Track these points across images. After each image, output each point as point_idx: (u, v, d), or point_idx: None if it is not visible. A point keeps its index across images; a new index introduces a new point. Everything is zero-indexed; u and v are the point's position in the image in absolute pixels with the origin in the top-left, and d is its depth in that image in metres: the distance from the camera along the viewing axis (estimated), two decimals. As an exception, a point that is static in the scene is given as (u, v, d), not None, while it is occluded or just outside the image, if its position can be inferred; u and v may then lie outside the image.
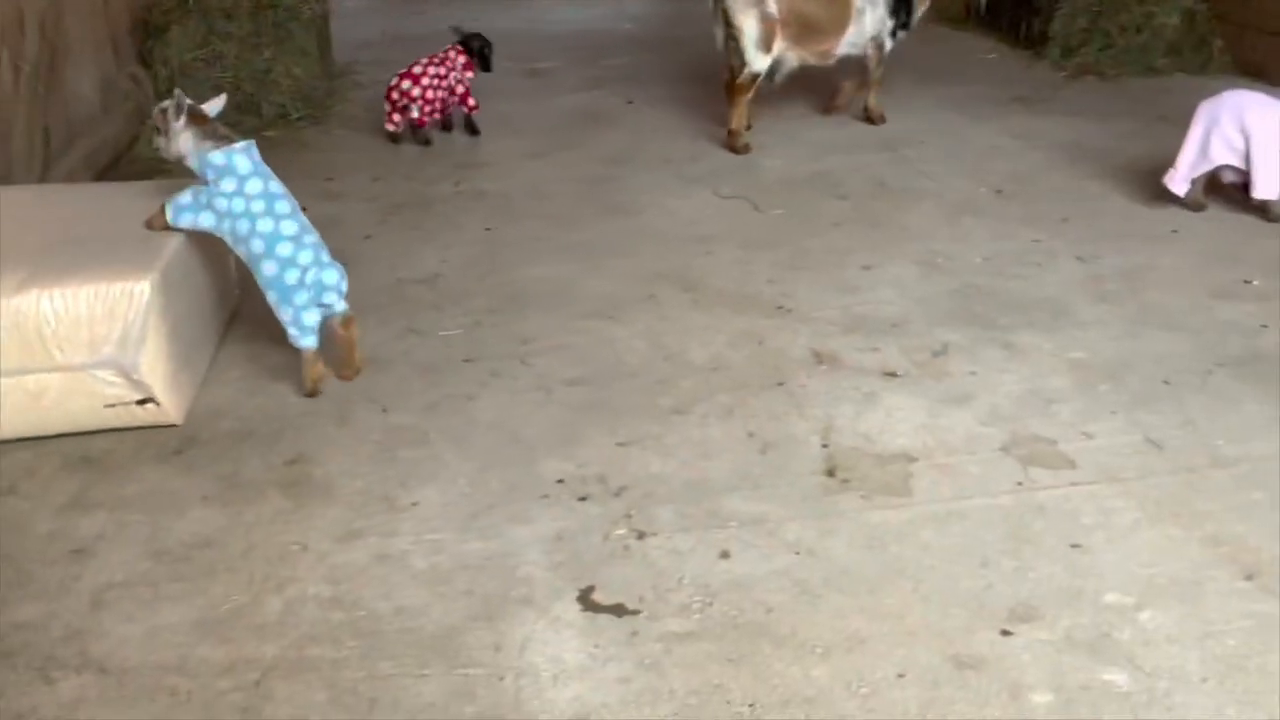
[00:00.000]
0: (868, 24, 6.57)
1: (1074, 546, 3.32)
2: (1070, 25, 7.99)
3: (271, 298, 4.05)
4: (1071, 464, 3.68)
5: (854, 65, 6.88)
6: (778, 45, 6.40)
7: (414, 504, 3.58)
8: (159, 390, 3.90)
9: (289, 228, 4.02)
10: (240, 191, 4.00)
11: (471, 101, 6.95)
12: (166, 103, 4.11)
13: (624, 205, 5.85)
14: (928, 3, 6.83)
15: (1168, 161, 5.53)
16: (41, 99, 5.34)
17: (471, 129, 7.00)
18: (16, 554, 3.38)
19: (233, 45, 7.05)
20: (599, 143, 6.75)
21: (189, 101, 4.11)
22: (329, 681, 2.90)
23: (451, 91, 6.81)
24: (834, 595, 3.15)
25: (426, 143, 6.77)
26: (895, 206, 5.69)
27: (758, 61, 6.40)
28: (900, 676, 2.88)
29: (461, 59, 6.81)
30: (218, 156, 3.99)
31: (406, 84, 6.65)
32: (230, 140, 4.06)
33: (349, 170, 6.38)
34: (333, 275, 4.10)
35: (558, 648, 3.00)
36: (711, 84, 7.54)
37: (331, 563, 3.33)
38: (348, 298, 4.16)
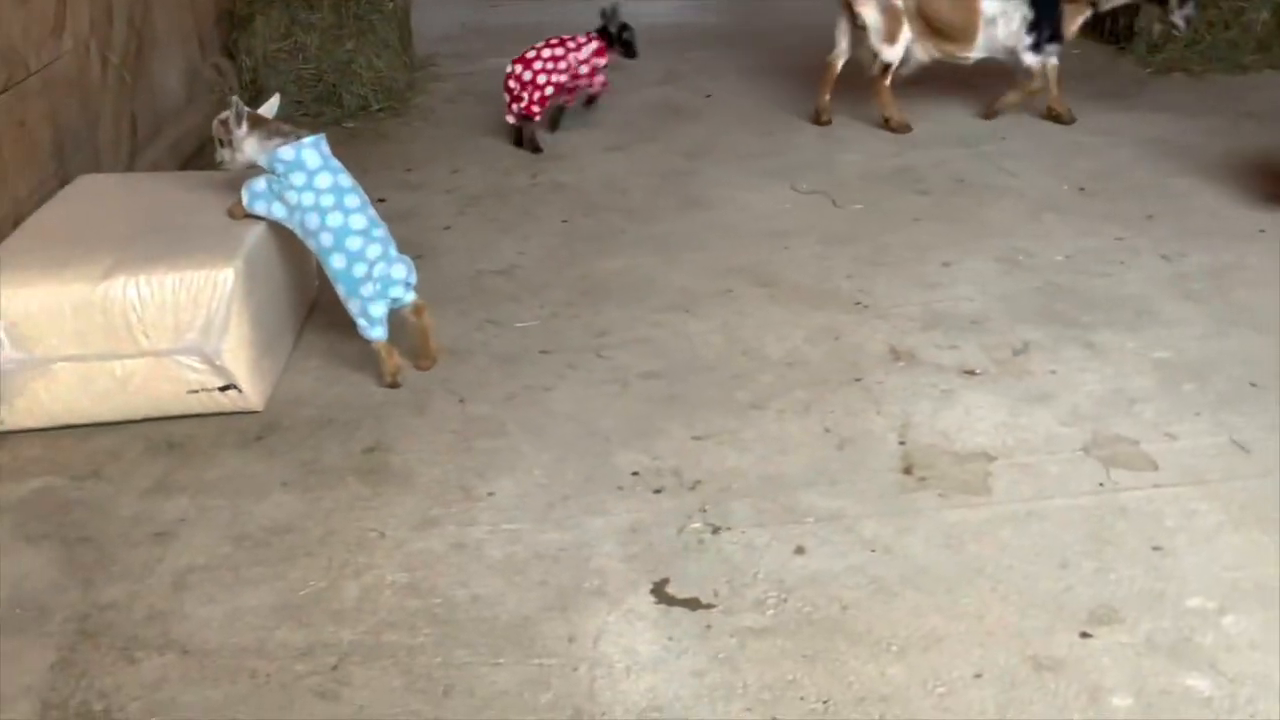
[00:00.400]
0: (1000, 34, 6.41)
1: (1156, 549, 3.27)
2: (1156, 21, 7.84)
3: (340, 290, 4.09)
4: (1154, 465, 3.62)
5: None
6: (904, 35, 6.39)
7: (490, 494, 3.60)
8: (241, 377, 3.95)
9: (358, 222, 4.05)
10: (310, 185, 4.03)
11: (600, 79, 6.70)
12: (225, 113, 4.13)
13: (701, 199, 5.83)
14: (1083, 19, 6.55)
15: (1255, 159, 5.41)
16: (129, 89, 5.44)
17: (589, 101, 6.86)
18: (101, 536, 3.45)
19: (315, 36, 7.13)
20: (676, 136, 6.73)
21: (246, 108, 4.14)
22: (405, 667, 2.93)
23: (574, 75, 6.53)
24: (910, 593, 3.12)
25: (536, 149, 6.50)
26: (976, 202, 5.62)
27: (886, 51, 6.45)
28: (977, 677, 2.84)
29: (593, 44, 6.56)
30: (287, 151, 4.03)
31: (518, 68, 6.39)
32: (297, 135, 4.09)
33: (427, 162, 6.43)
34: (401, 270, 4.12)
35: (631, 640, 3.00)
36: (790, 78, 7.50)
37: (408, 550, 3.36)
38: (419, 287, 4.19)
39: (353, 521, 3.49)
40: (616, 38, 6.62)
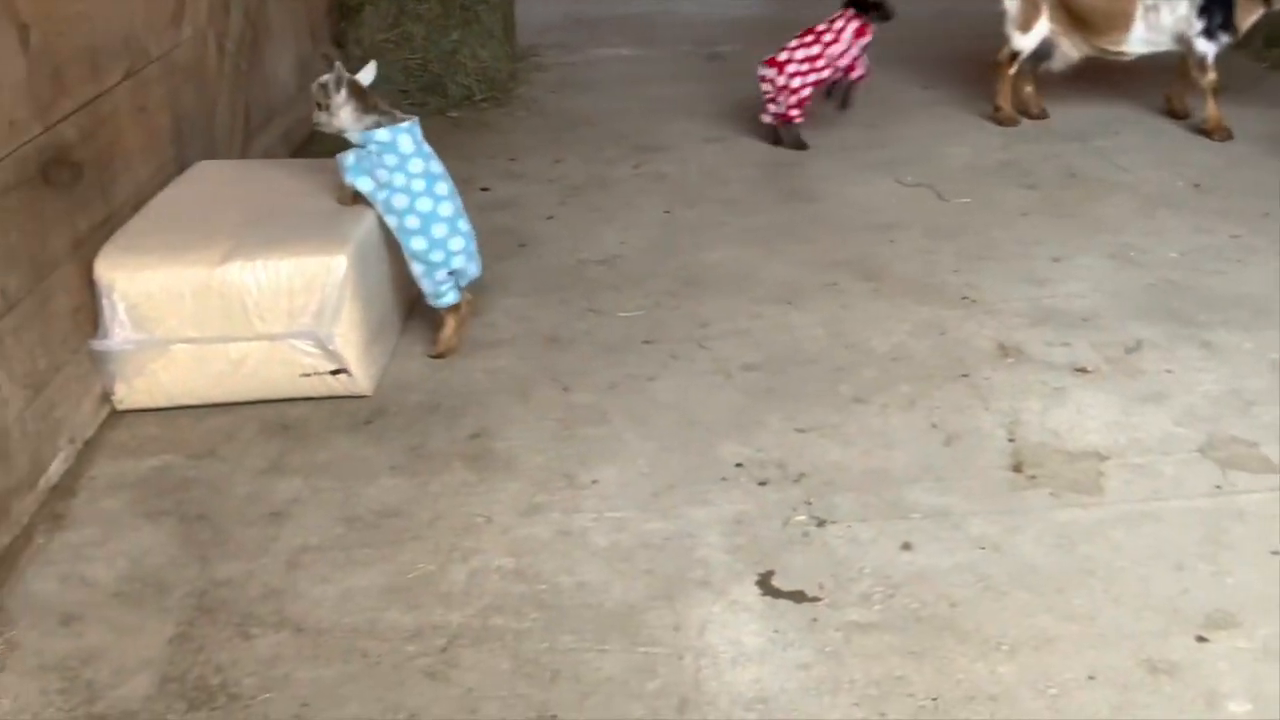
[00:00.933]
0: (1165, 21, 6.10)
1: (1275, 553, 3.19)
2: (1276, 15, 7.62)
3: (415, 268, 4.20)
4: (1274, 468, 3.54)
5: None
6: (1044, 26, 6.27)
7: (594, 481, 3.62)
8: (352, 362, 4.01)
9: (446, 209, 4.14)
10: (401, 168, 4.11)
11: (858, 71, 6.33)
12: (326, 77, 4.18)
13: (803, 191, 5.80)
14: (1255, 16, 6.18)
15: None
16: (244, 78, 5.54)
17: (843, 102, 6.47)
18: (217, 514, 3.52)
19: (421, 27, 7.21)
20: (779, 128, 6.69)
21: (348, 74, 4.19)
22: (512, 651, 2.96)
23: (833, 68, 6.17)
24: (1020, 593, 3.08)
25: (800, 147, 6.26)
26: (1086, 197, 5.53)
27: (1016, 39, 6.34)
28: (1090, 679, 2.80)
29: (852, 25, 6.19)
30: (383, 134, 4.10)
31: (771, 71, 6.14)
32: (393, 117, 4.15)
33: (530, 151, 6.47)
34: (475, 269, 4.30)
35: (737, 630, 3.00)
36: (894, 68, 7.43)
37: (514, 536, 3.39)
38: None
39: (459, 506, 3.53)
40: (868, 3, 6.20)
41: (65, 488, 3.66)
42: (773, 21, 8.84)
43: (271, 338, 3.95)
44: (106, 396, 3.99)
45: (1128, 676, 2.80)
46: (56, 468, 3.67)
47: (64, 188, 3.79)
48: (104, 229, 4.02)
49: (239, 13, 5.52)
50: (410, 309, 4.69)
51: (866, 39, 6.22)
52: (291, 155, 6.02)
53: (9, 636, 3.06)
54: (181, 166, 4.67)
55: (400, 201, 4.11)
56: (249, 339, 3.94)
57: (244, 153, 5.51)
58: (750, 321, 4.55)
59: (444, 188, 4.16)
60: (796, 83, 6.11)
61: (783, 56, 6.13)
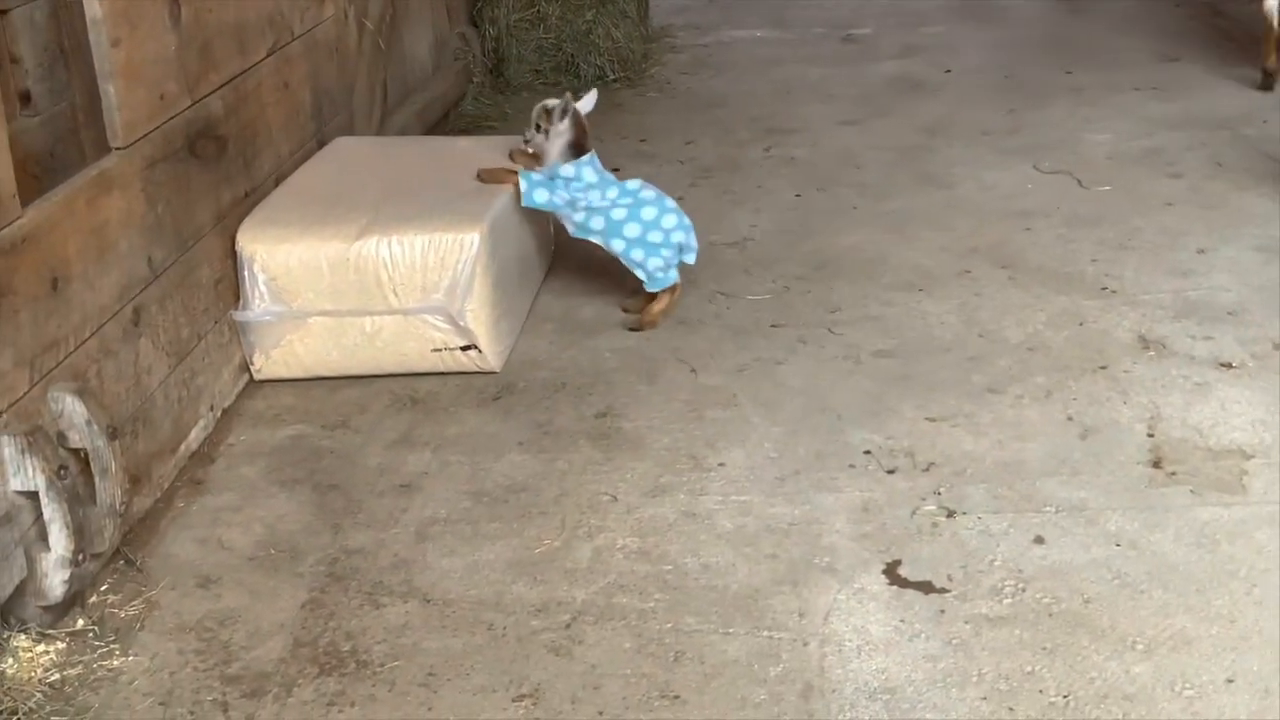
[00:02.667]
0: None
1: None
2: None
3: (636, 254, 4.32)
4: None
5: None
6: None
7: (721, 464, 3.61)
8: (482, 338, 4.05)
9: (648, 194, 4.35)
10: (594, 187, 4.30)
11: None
12: (553, 102, 4.33)
13: (938, 176, 5.70)
14: None
15: None
16: (382, 56, 5.62)
17: None
18: (350, 484, 3.59)
19: (557, 6, 7.25)
20: (914, 111, 6.60)
21: (576, 106, 4.33)
22: (636, 630, 2.96)
23: None
24: (1158, 591, 2.99)
25: None
26: (1233, 188, 5.34)
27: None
28: (1229, 682, 2.71)
29: None
30: (568, 169, 4.25)
31: None
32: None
33: (662, 133, 6.46)
34: (693, 242, 4.42)
35: (862, 619, 2.97)
36: (1033, 52, 7.27)
37: (640, 515, 3.39)
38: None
39: (585, 484, 3.55)
40: None
41: (205, 454, 3.76)
42: (906, 5, 8.72)
43: (405, 312, 4.01)
44: (245, 366, 4.09)
45: (1269, 682, 2.70)
46: (196, 435, 3.77)
47: (209, 161, 3.89)
48: (246, 202, 4.11)
49: (379, -7, 5.61)
50: (541, 286, 4.73)
51: None
52: (426, 133, 6.10)
53: (149, 596, 3.15)
54: (321, 142, 4.76)
55: (597, 224, 4.30)
56: (383, 313, 4.01)
57: (380, 130, 5.59)
58: (881, 308, 4.49)
59: (634, 184, 4.35)
60: None
61: None
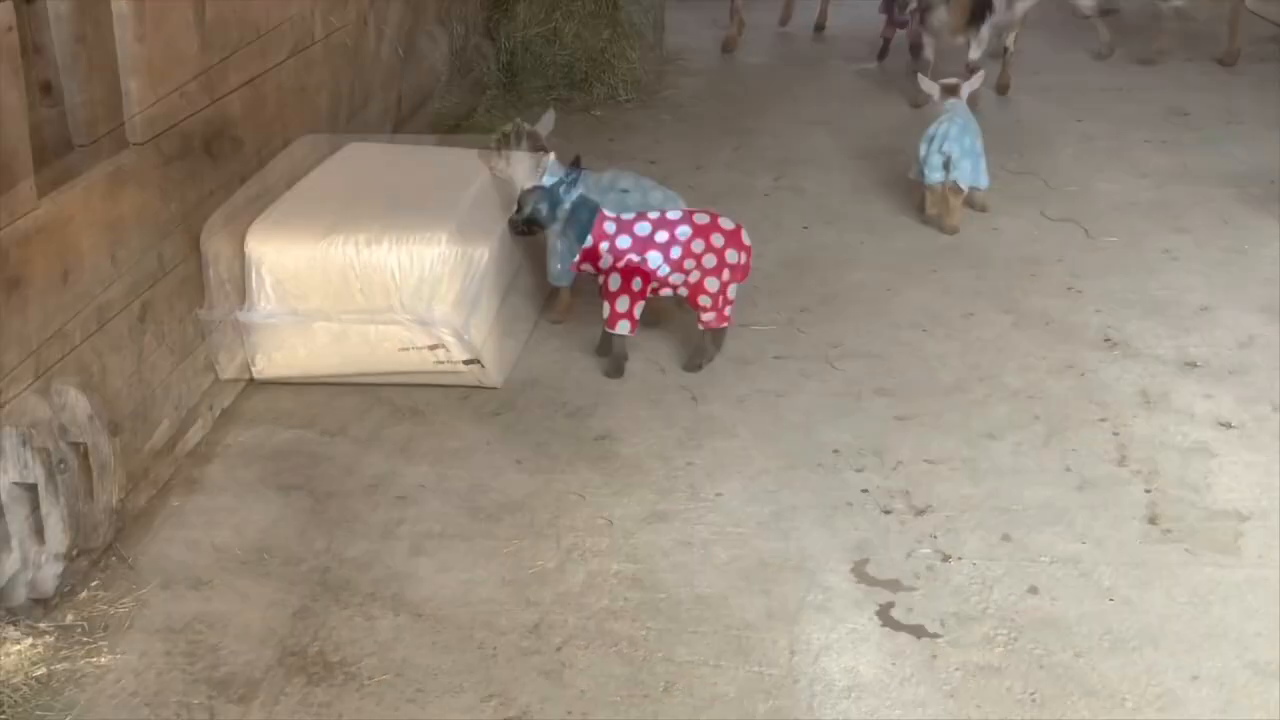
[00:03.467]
0: None
1: None
2: None
3: None
4: None
5: None
6: None
7: (718, 495, 3.61)
8: (485, 353, 4.05)
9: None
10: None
11: None
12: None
13: (945, 217, 5.71)
14: None
15: None
16: (399, 64, 5.63)
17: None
18: (344, 493, 3.59)
19: (573, 24, 7.26)
20: (923, 150, 6.60)
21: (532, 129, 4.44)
22: (627, 658, 2.96)
23: None
24: (1149, 649, 3.00)
25: None
26: (1239, 246, 5.35)
27: None
28: (1217, 747, 2.72)
29: None
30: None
31: None
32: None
33: (673, 156, 6.47)
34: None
35: (854, 659, 2.97)
36: (1039, 96, 7.29)
37: (635, 542, 3.39)
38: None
39: (582, 507, 3.55)
40: None
41: (202, 454, 3.75)
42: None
43: (410, 322, 3.99)
44: (246, 366, 4.08)
45: (1258, 748, 2.71)
46: (195, 433, 3.77)
47: (224, 160, 3.88)
48: (257, 204, 4.11)
49: (400, 2, 5.61)
50: (544, 305, 4.72)
51: None
52: (439, 142, 6.09)
53: (139, 595, 3.14)
54: (335, 147, 4.75)
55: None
56: (389, 322, 4.00)
57: (394, 137, 5.59)
58: (884, 346, 4.49)
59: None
60: None
61: None
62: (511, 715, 2.79)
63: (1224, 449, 3.83)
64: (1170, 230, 5.54)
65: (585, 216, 4.18)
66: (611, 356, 4.24)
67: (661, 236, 4.20)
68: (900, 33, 7.89)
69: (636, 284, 4.18)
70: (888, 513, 3.53)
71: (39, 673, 2.85)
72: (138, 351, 3.41)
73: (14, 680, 2.80)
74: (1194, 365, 4.33)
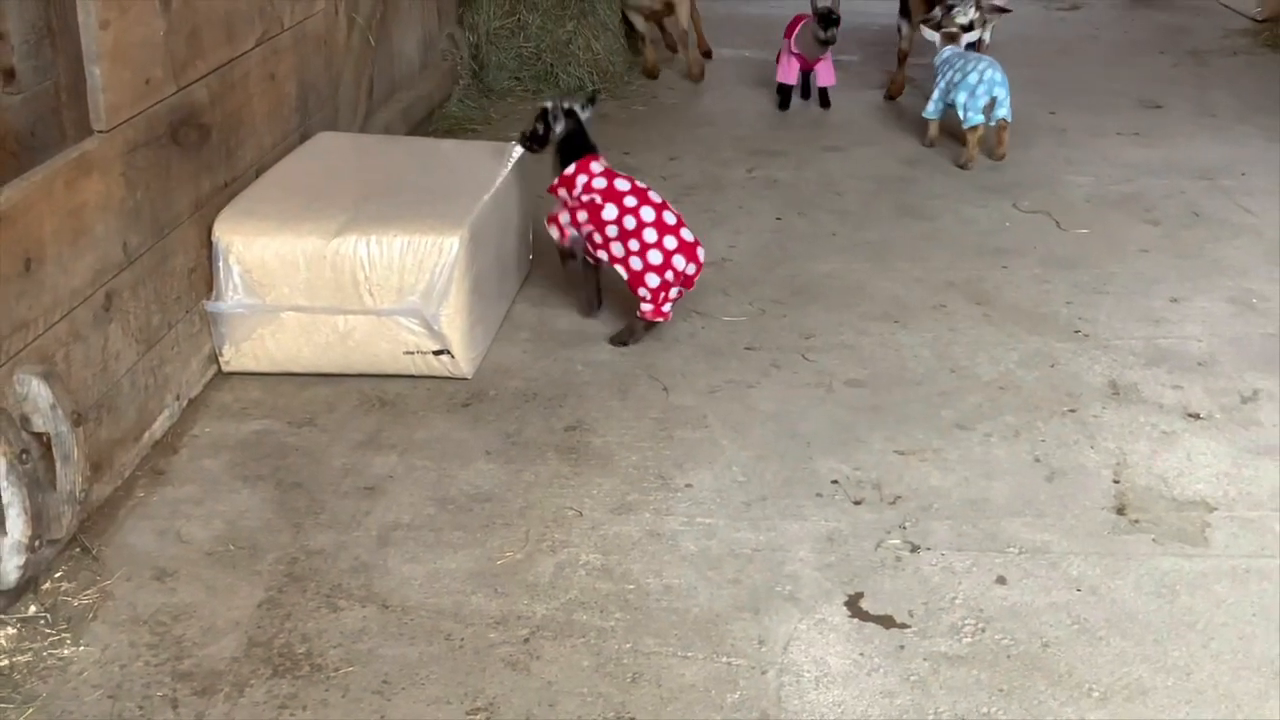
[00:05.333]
0: None
1: (1387, 625, 3.08)
2: None
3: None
4: (1391, 535, 3.41)
5: None
6: None
7: (688, 485, 3.60)
8: (455, 343, 4.03)
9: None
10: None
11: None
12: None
13: (918, 208, 5.72)
14: None
15: None
16: (370, 53, 5.59)
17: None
18: (313, 483, 3.56)
19: (537, 16, 7.24)
20: (896, 141, 6.62)
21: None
22: (595, 649, 2.95)
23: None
24: (1116, 639, 3.00)
25: None
26: (1209, 238, 5.38)
27: None
28: (1183, 735, 2.73)
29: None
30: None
31: None
32: None
33: (645, 147, 6.46)
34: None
35: (822, 650, 2.96)
36: (1021, 94, 7.30)
37: (604, 532, 3.38)
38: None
39: (551, 497, 3.53)
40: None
41: (168, 444, 3.72)
42: (893, 31, 8.74)
43: (379, 313, 3.98)
44: (214, 357, 4.05)
45: (1223, 737, 2.72)
46: (161, 424, 3.73)
47: (191, 149, 3.85)
48: (225, 193, 4.08)
49: (371, -12, 5.58)
50: (517, 295, 4.71)
51: None
52: (410, 132, 6.07)
53: (104, 586, 3.12)
54: (304, 136, 4.73)
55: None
56: (357, 312, 3.98)
57: (364, 126, 5.56)
58: (856, 336, 4.49)
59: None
60: None
61: None
62: (478, 706, 2.77)
63: (1192, 440, 3.84)
64: (1142, 222, 5.56)
65: (575, 147, 4.36)
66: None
67: (630, 201, 4.28)
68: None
69: (582, 216, 4.32)
70: (857, 503, 3.53)
71: (1, 664, 2.82)
72: (103, 340, 3.38)
73: (-25, 672, 2.77)
74: (1164, 356, 4.34)
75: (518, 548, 3.31)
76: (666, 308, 4.32)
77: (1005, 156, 6.19)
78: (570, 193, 4.33)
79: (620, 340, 4.38)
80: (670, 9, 7.39)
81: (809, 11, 6.72)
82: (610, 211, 4.27)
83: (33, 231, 3.04)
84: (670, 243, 4.27)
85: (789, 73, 6.96)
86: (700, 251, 4.38)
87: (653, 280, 4.26)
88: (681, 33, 7.46)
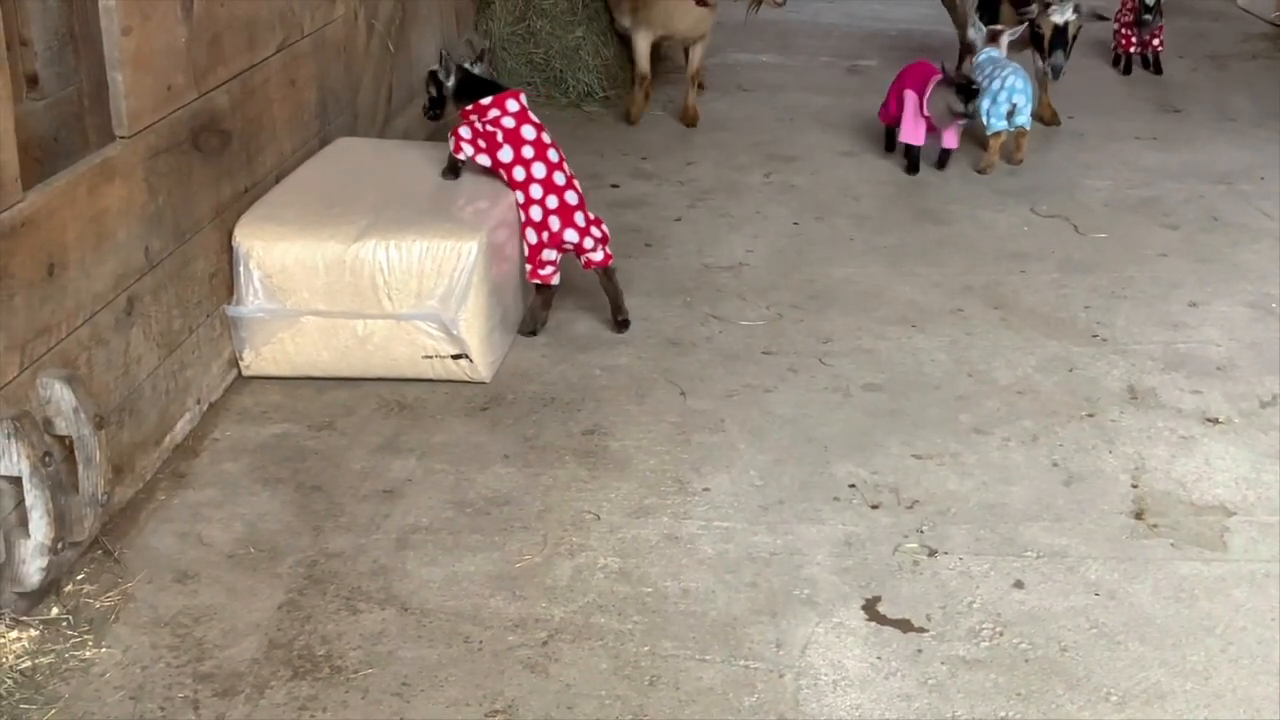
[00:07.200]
0: None
1: (1407, 630, 3.07)
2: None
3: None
4: None
5: None
6: None
7: (705, 489, 3.61)
8: (474, 347, 4.05)
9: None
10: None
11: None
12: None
13: (935, 213, 5.73)
14: None
15: None
16: (389, 59, 5.62)
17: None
18: (333, 486, 3.58)
19: (546, 22, 7.27)
20: (914, 146, 6.61)
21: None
22: (613, 652, 2.96)
23: None
24: (1134, 643, 3.00)
25: None
26: (1228, 242, 5.37)
27: None
28: (1202, 740, 2.72)
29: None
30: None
31: None
32: None
33: (662, 152, 6.48)
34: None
35: (840, 654, 2.97)
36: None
37: (622, 536, 3.39)
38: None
39: (569, 501, 3.54)
40: None
41: (189, 448, 3.75)
42: (913, 40, 8.76)
43: (398, 317, 4.00)
44: (234, 361, 4.07)
45: (1242, 742, 2.72)
46: (182, 427, 3.76)
47: (212, 154, 3.88)
48: (245, 198, 4.11)
49: (390, -5, 5.62)
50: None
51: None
52: (428, 137, 6.09)
53: (125, 588, 3.14)
54: (324, 141, 4.76)
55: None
56: (376, 317, 4.00)
57: (384, 132, 5.60)
58: (873, 341, 4.50)
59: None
60: None
61: None
62: (497, 708, 2.78)
63: (1211, 444, 3.84)
64: (1160, 227, 5.55)
65: (473, 92, 4.36)
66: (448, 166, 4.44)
67: (527, 152, 4.29)
68: None
69: (482, 143, 4.31)
70: (875, 507, 3.53)
71: (24, 666, 2.84)
72: (124, 345, 3.40)
73: (-2, 673, 2.79)
74: (1182, 360, 4.34)
75: (536, 551, 3.32)
76: (545, 270, 4.34)
77: (1023, 161, 6.20)
78: (481, 119, 4.31)
79: (528, 330, 4.44)
80: (704, 36, 7.19)
81: (935, 66, 5.99)
82: (505, 154, 4.28)
83: (56, 237, 3.07)
84: (552, 202, 4.29)
85: (917, 133, 6.09)
86: (579, 216, 4.32)
87: (531, 236, 4.31)
88: (697, 68, 7.18)
